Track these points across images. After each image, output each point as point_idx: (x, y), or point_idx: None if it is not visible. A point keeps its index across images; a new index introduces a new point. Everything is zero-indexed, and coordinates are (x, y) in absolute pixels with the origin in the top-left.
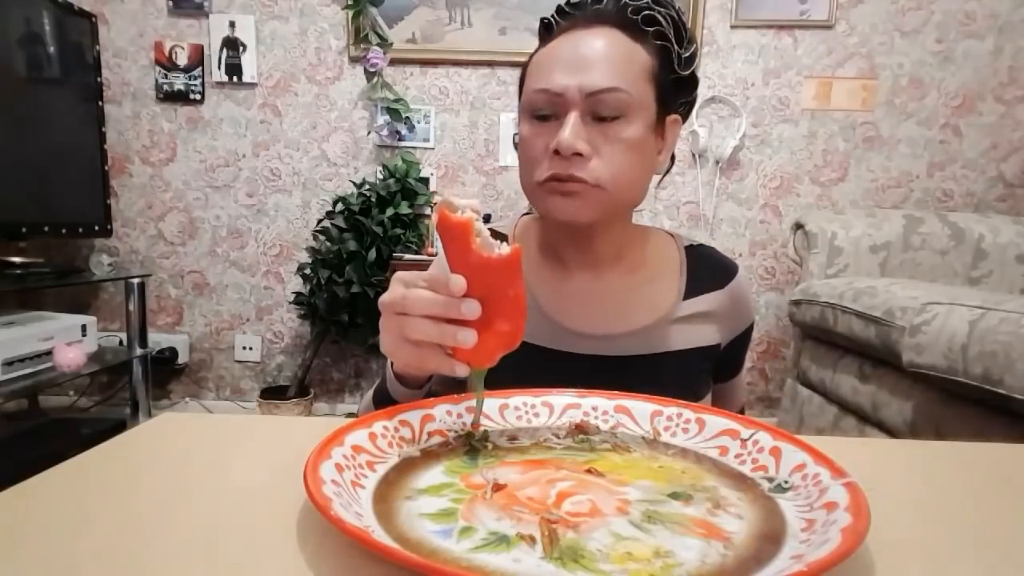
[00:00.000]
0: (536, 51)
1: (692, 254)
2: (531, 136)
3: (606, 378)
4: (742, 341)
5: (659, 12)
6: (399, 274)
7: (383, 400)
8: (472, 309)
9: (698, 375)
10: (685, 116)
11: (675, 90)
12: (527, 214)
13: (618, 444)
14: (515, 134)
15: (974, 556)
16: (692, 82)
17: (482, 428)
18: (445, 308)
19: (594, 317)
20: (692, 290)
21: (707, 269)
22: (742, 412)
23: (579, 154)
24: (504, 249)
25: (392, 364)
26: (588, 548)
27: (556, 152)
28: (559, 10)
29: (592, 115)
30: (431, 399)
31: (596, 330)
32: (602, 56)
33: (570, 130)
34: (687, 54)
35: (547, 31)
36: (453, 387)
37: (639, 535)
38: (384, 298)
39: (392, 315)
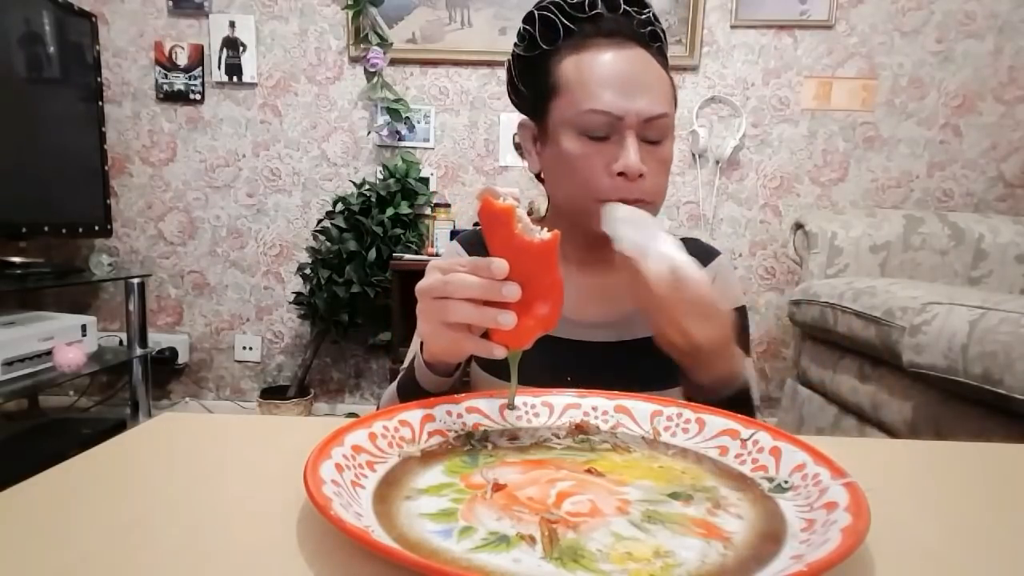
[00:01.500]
0: (542, 50)
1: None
2: (585, 154)
3: (609, 361)
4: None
5: (658, 27)
6: (435, 262)
7: (410, 391)
8: (512, 292)
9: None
10: None
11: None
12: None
13: (618, 444)
14: (515, 134)
15: (974, 556)
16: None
17: (482, 428)
18: (486, 291)
19: (595, 308)
20: None
21: (690, 254)
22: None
23: (641, 175)
24: (544, 234)
25: (422, 353)
26: (588, 548)
27: (620, 174)
28: (563, 12)
29: (641, 136)
30: (432, 399)
31: (597, 319)
32: (650, 81)
33: (635, 154)
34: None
35: (552, 33)
36: (475, 382)
37: (639, 535)
38: (421, 284)
39: (430, 300)
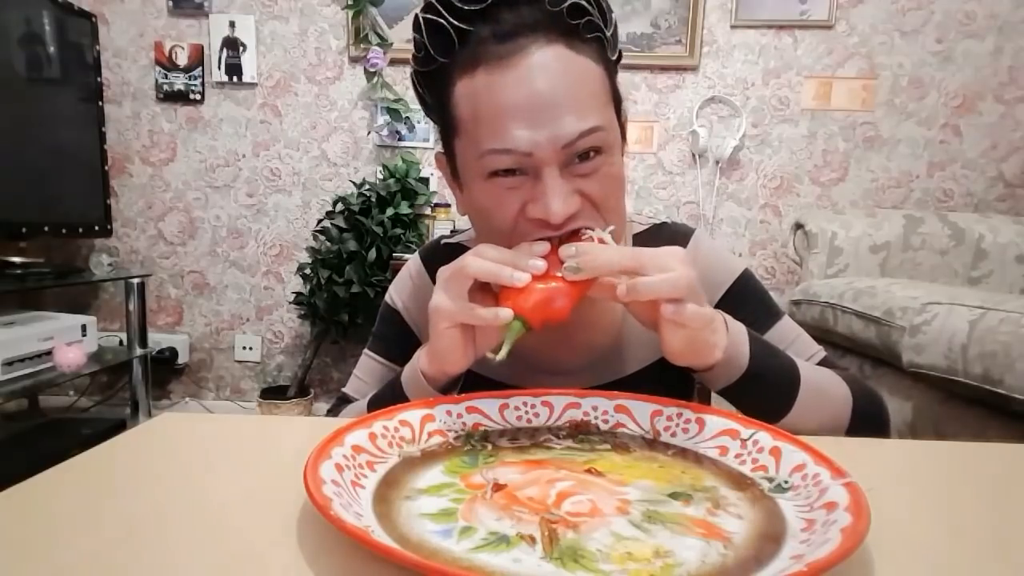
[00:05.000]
0: (438, 63)
1: (641, 241)
2: (497, 200)
3: None
4: (737, 300)
5: (582, 0)
6: (468, 253)
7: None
8: (538, 264)
9: (679, 385)
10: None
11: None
12: None
13: (618, 444)
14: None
15: (974, 556)
16: (619, 61)
17: (482, 428)
18: (515, 257)
19: (568, 355)
20: None
21: (660, 241)
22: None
23: (572, 217)
24: (602, 236)
25: (421, 365)
26: (588, 548)
27: (543, 222)
28: (452, 10)
29: (568, 162)
30: (432, 399)
31: (573, 365)
32: (566, 90)
33: (558, 196)
34: (611, 32)
35: (445, 40)
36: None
37: (639, 535)
38: (454, 263)
39: (456, 269)
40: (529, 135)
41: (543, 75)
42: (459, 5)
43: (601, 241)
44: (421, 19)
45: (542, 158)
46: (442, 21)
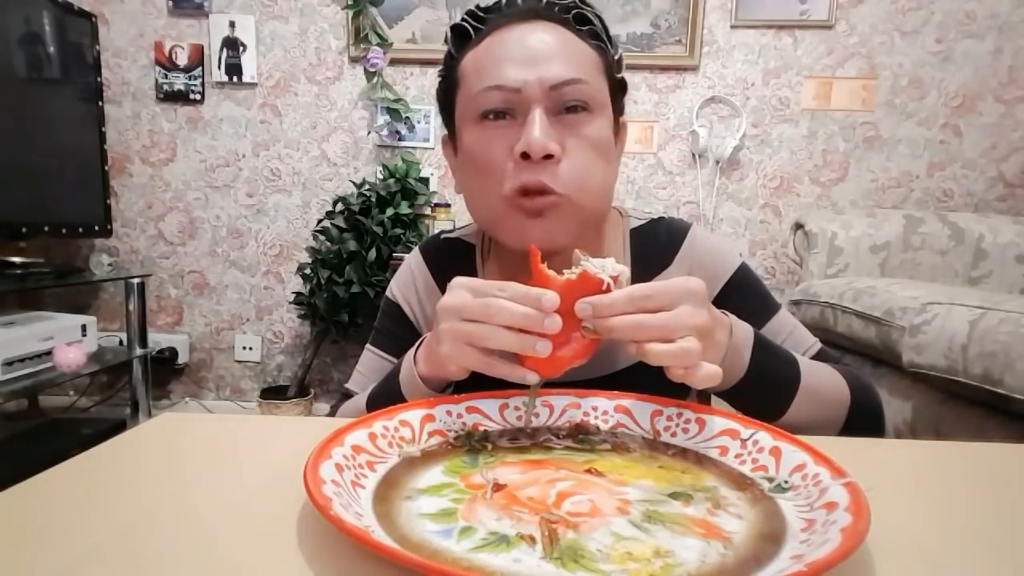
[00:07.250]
0: (454, 59)
1: (637, 236)
2: (485, 142)
3: None
4: (734, 294)
5: (587, 11)
6: (461, 280)
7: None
8: (555, 324)
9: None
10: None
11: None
12: None
13: (618, 444)
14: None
15: (974, 556)
16: (624, 86)
17: (482, 428)
18: (529, 321)
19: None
20: (638, 281)
21: (654, 245)
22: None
23: (550, 156)
24: (612, 269)
25: (417, 367)
26: (588, 548)
27: (523, 156)
28: (474, 15)
29: (555, 111)
30: (432, 399)
31: None
32: (556, 47)
33: (539, 128)
34: (617, 56)
35: (463, 39)
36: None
37: (639, 535)
38: (449, 302)
39: (458, 320)
40: (519, 73)
41: (538, 35)
42: (479, 13)
43: (610, 286)
44: (448, 31)
45: (530, 95)
46: (464, 24)
